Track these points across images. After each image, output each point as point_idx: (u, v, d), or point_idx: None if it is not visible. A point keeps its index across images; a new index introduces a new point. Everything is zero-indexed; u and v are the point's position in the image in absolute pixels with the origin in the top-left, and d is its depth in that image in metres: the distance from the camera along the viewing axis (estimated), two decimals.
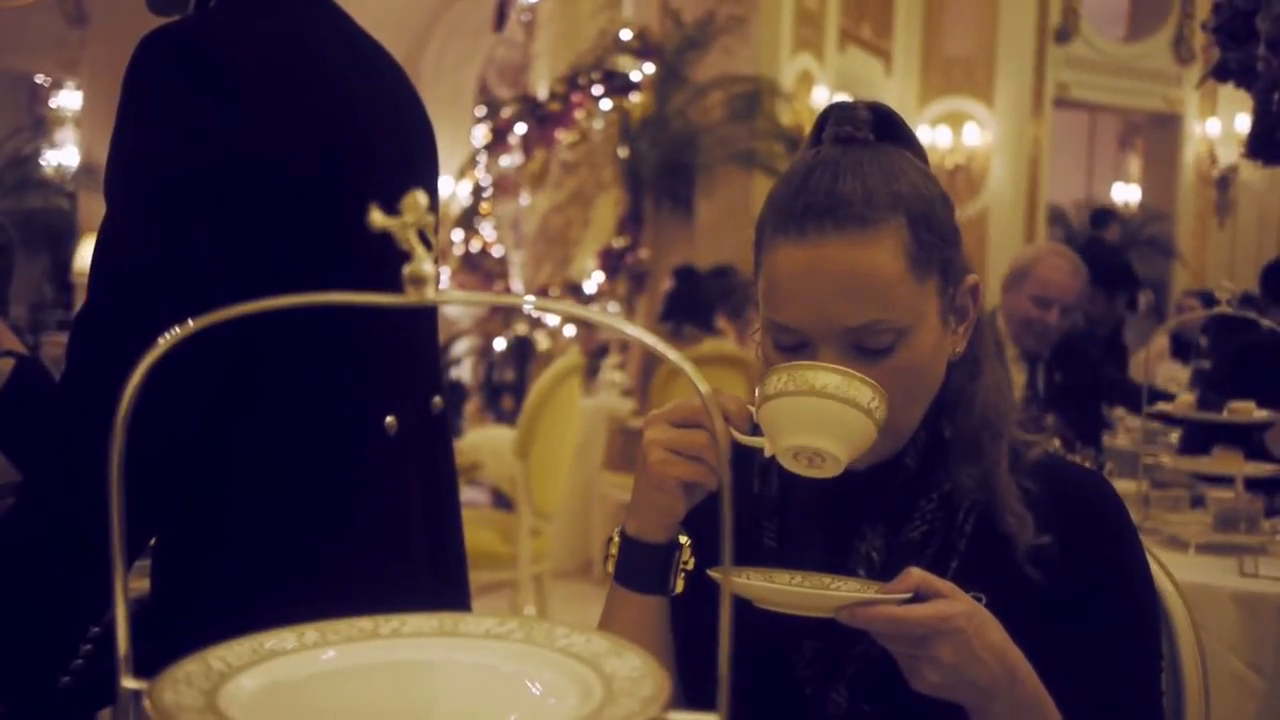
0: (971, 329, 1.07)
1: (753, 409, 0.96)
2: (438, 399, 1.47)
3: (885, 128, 1.05)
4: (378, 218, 0.49)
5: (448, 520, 1.49)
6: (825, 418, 0.92)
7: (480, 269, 7.91)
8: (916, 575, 0.90)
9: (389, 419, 1.34)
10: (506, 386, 7.69)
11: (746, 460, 1.11)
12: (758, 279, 1.05)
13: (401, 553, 1.37)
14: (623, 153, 7.12)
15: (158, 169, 1.24)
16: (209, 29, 1.28)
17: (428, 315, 1.47)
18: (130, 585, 0.66)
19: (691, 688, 1.07)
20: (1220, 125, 9.96)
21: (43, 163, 10.33)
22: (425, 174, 1.49)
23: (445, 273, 7.80)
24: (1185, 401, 2.81)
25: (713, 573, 0.95)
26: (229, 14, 1.31)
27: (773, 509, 1.09)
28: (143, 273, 1.22)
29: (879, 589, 0.92)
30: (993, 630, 0.91)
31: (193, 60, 1.23)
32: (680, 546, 1.02)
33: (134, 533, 1.12)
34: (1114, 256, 4.89)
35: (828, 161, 1.01)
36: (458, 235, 7.96)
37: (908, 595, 0.89)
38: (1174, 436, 3.43)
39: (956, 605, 0.89)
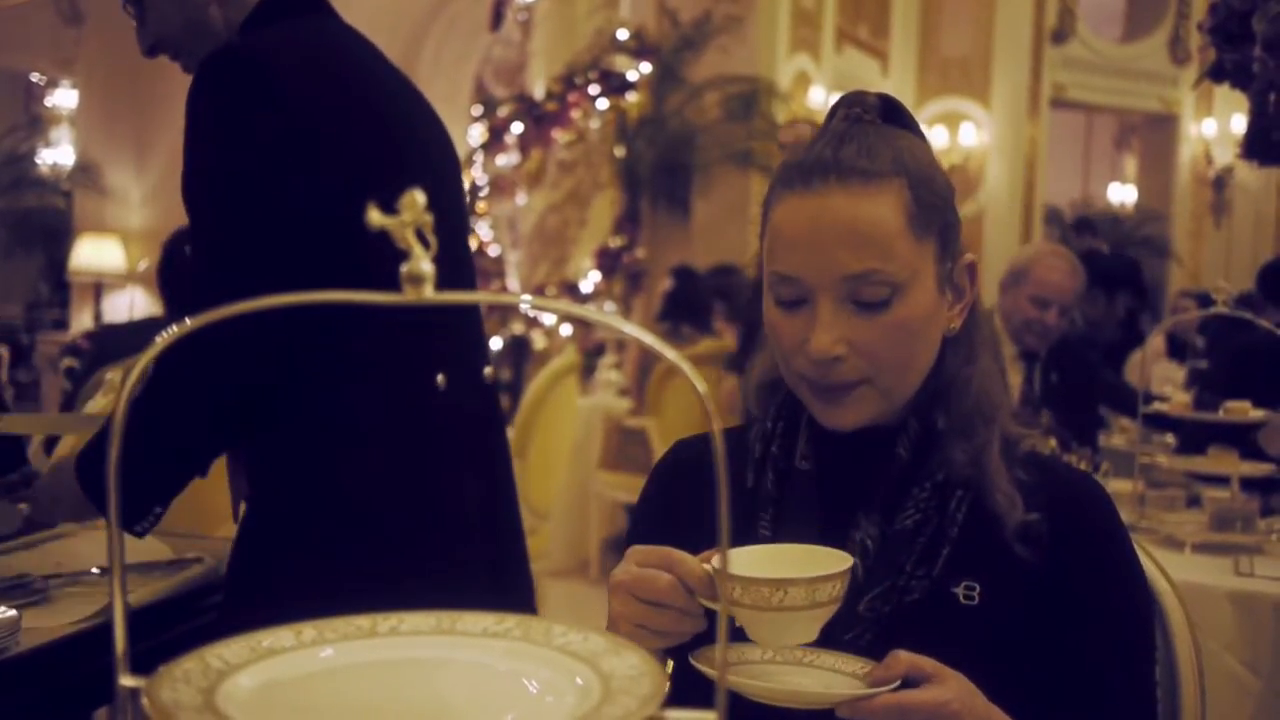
0: (967, 310, 1.10)
1: (709, 568, 0.91)
2: (489, 369, 1.64)
3: (891, 115, 1.10)
4: (375, 217, 0.49)
5: (504, 484, 1.64)
6: (794, 624, 0.90)
7: (477, 268, 7.90)
8: (904, 660, 0.91)
9: (440, 377, 1.53)
10: (503, 386, 7.68)
11: (740, 454, 1.12)
12: (764, 240, 1.08)
13: (456, 499, 1.54)
14: (619, 152, 7.12)
15: (239, 179, 1.39)
16: (265, 48, 1.44)
17: None
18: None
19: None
20: (1216, 126, 9.97)
21: (38, 161, 10.32)
22: (454, 177, 1.68)
23: None
24: (1181, 401, 2.81)
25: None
26: (277, 34, 1.48)
27: (767, 500, 1.10)
28: (243, 271, 1.40)
29: (864, 668, 0.93)
30: (979, 702, 0.93)
31: (255, 76, 1.40)
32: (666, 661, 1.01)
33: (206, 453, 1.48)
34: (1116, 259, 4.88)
35: (834, 131, 1.06)
36: None
37: (896, 683, 0.90)
38: (1170, 436, 3.43)
39: (948, 689, 0.91)
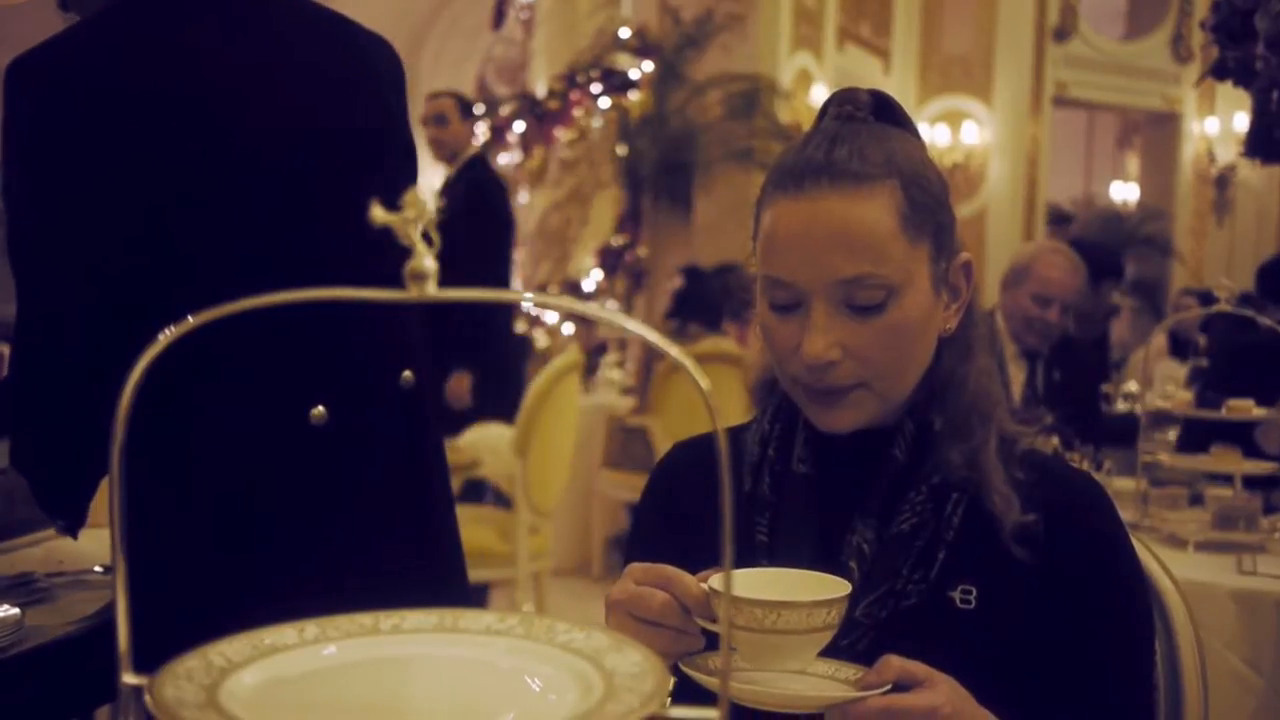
0: (964, 309, 1.09)
1: (706, 588, 0.91)
2: (407, 374, 1.40)
3: (884, 112, 1.09)
4: (379, 213, 0.48)
5: (435, 492, 1.46)
6: (788, 648, 0.89)
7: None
8: (896, 665, 0.91)
9: (316, 410, 1.30)
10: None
11: (737, 458, 1.12)
12: (757, 242, 1.07)
13: (359, 533, 1.36)
14: (621, 151, 7.12)
15: (36, 194, 1.29)
16: (72, 51, 1.32)
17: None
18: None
19: None
20: (1219, 124, 9.95)
21: None
22: (338, 131, 1.41)
23: None
24: (1183, 399, 2.81)
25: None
26: (99, 26, 1.34)
27: (764, 504, 1.10)
28: (39, 280, 1.30)
29: (856, 674, 0.93)
30: (970, 706, 0.93)
31: (54, 88, 1.28)
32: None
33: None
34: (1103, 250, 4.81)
35: (826, 131, 1.06)
36: None
37: (888, 687, 0.90)
38: (1172, 434, 3.43)
39: (939, 694, 0.90)
